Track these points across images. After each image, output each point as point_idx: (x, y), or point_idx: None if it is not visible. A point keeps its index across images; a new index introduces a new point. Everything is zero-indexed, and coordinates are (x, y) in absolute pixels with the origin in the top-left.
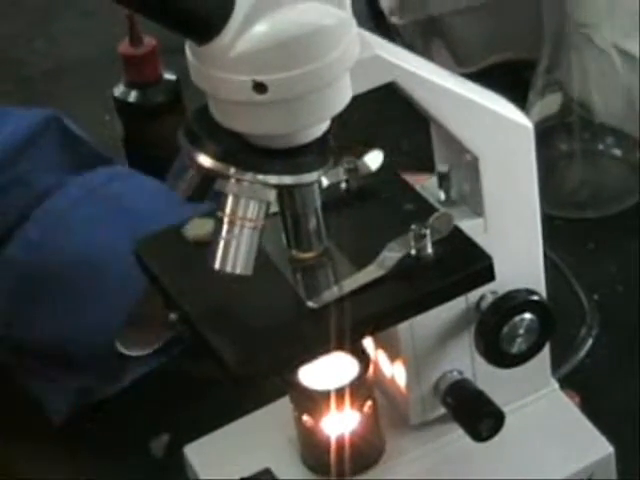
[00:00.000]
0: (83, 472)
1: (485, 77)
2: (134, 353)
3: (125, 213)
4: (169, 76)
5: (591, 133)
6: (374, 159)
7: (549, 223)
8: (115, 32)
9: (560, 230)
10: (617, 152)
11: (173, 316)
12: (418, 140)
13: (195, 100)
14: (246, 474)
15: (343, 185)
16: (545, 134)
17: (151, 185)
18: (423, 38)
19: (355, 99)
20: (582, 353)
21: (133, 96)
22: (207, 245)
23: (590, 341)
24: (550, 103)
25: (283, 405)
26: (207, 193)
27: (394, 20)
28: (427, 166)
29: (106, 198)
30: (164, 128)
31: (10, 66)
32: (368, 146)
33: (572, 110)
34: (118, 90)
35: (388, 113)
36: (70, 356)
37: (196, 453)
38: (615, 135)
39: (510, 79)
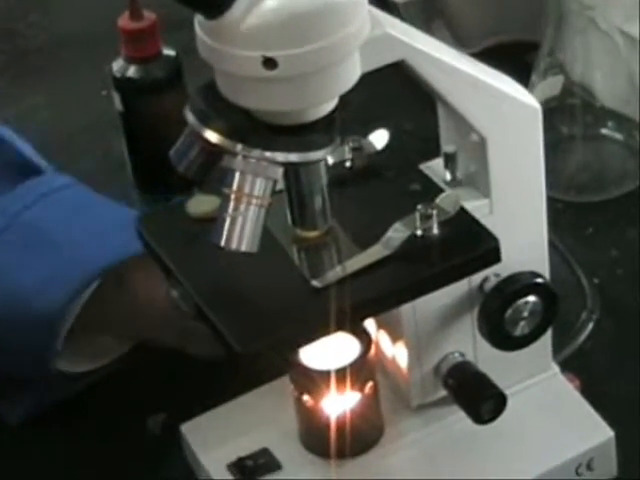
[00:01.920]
0: (81, 449)
1: (485, 58)
2: (80, 369)
3: (47, 245)
4: (169, 51)
5: (592, 116)
6: (379, 138)
7: (549, 206)
8: (113, 6)
9: (560, 213)
10: (618, 136)
11: (175, 293)
12: (421, 120)
13: (195, 76)
14: (243, 453)
15: (348, 164)
16: (546, 116)
17: (80, 202)
18: (424, 18)
19: (361, 78)
20: (582, 337)
21: (132, 71)
22: (210, 222)
23: (591, 325)
24: (552, 85)
25: (282, 384)
26: (210, 171)
27: None
28: (430, 146)
29: (27, 228)
30: (163, 104)
31: (5, 39)
32: (371, 125)
33: (573, 93)
34: (117, 65)
35: (390, 93)
36: (9, 376)
37: (193, 432)
38: (616, 118)
39: (510, 60)
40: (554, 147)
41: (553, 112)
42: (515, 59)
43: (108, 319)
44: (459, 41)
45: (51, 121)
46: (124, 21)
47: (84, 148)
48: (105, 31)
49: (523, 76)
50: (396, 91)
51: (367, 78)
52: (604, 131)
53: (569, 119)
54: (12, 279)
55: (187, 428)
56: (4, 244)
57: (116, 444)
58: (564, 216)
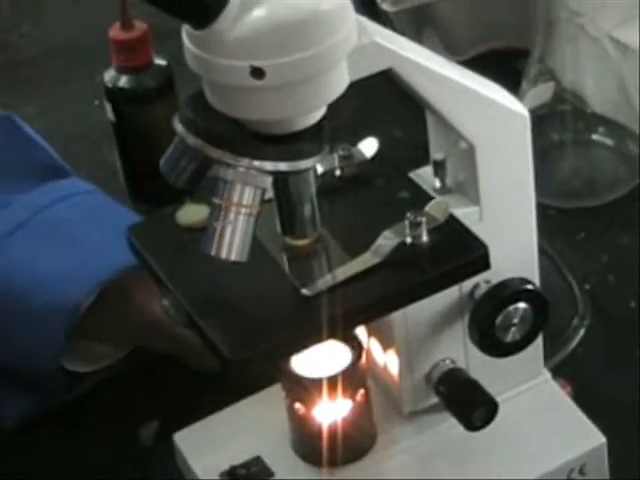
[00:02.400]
0: (72, 458)
1: (475, 65)
2: (83, 369)
3: (66, 241)
4: (160, 61)
5: (583, 122)
6: (369, 146)
7: (540, 212)
8: (105, 17)
9: (551, 219)
10: (609, 141)
11: (165, 302)
12: (409, 128)
13: (186, 86)
14: (236, 462)
15: (337, 172)
16: (537, 123)
17: (100, 207)
18: (414, 26)
19: (349, 86)
20: (574, 343)
21: (124, 81)
22: (200, 231)
23: (582, 331)
24: (542, 92)
25: (274, 392)
26: (201, 181)
27: (385, 7)
28: (419, 154)
29: (49, 223)
30: (155, 114)
31: None
32: (360, 134)
33: (564, 99)
34: (108, 75)
35: (378, 101)
36: (11, 375)
37: (186, 441)
38: (607, 124)
39: (500, 68)
40: (545, 153)
41: (544, 119)
42: (505, 66)
43: (107, 327)
44: (449, 49)
45: (44, 131)
46: (115, 31)
47: (77, 158)
48: (97, 41)
49: (513, 83)
50: (385, 99)
51: (356, 86)
52: (595, 137)
53: (560, 125)
54: (31, 270)
55: (179, 437)
56: (25, 236)
57: (107, 453)
58: (555, 222)
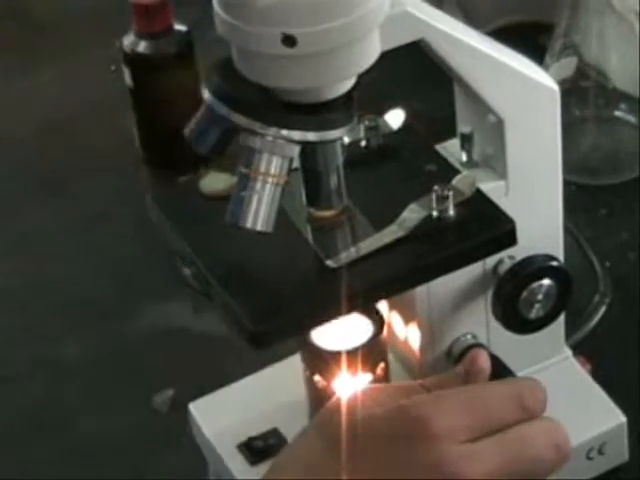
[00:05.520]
0: (87, 427)
1: (497, 38)
2: None
3: None
4: (180, 27)
5: (605, 98)
6: (395, 118)
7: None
8: None
9: (573, 195)
10: (631, 118)
11: (187, 271)
12: (430, 100)
13: (206, 53)
14: (253, 433)
15: (363, 143)
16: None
17: None
18: None
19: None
20: (595, 320)
21: (143, 47)
22: (224, 200)
23: (603, 308)
24: (565, 67)
25: (292, 364)
26: (225, 149)
27: None
28: (441, 126)
29: None
30: (174, 80)
31: (15, 14)
32: (381, 105)
33: (587, 74)
34: (127, 40)
35: (398, 73)
36: None
37: (201, 410)
38: (630, 101)
39: (522, 41)
40: (567, 129)
41: (566, 94)
42: (527, 40)
43: None
44: (471, 20)
45: (61, 96)
46: None
47: (93, 122)
48: (116, 5)
49: (534, 57)
50: (404, 70)
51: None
52: (617, 113)
53: (582, 101)
54: None
55: (195, 406)
56: None
57: (122, 421)
58: (576, 198)
